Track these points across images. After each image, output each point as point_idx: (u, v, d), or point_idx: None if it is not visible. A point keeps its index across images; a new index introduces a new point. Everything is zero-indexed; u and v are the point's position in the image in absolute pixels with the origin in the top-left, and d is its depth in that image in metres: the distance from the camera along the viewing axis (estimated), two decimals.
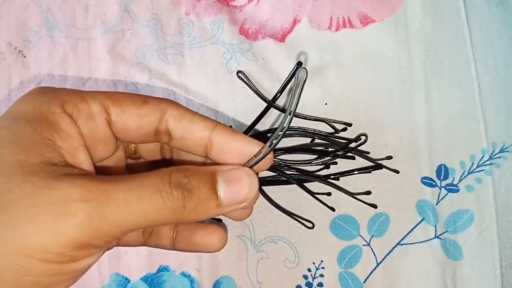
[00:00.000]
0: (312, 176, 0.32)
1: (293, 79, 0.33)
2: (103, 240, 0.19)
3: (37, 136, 0.19)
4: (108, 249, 0.23)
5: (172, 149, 0.27)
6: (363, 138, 0.32)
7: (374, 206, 0.32)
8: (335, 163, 0.33)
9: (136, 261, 0.32)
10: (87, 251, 0.19)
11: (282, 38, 0.35)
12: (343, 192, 0.32)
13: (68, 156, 0.20)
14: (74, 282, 0.20)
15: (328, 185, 0.32)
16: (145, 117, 0.22)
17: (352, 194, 0.32)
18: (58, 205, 0.17)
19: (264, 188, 0.32)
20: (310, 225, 0.32)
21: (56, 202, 0.17)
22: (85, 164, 0.21)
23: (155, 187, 0.19)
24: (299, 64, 0.33)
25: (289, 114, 0.24)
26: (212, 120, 0.23)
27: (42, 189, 0.18)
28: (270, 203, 0.32)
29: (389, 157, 0.33)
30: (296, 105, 0.24)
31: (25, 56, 0.34)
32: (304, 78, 0.31)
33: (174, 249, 0.27)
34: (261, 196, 0.32)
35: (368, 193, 0.33)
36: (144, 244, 0.27)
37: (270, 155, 0.24)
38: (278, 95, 0.33)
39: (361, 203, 0.32)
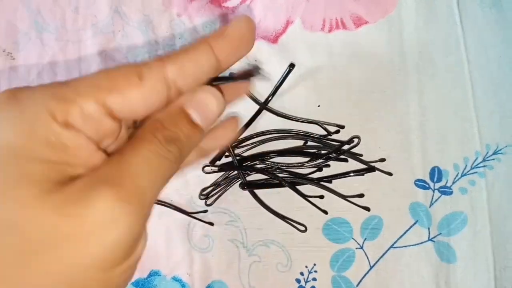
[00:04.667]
0: (305, 179, 0.32)
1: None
2: (146, 218, 0.19)
3: (44, 166, 0.17)
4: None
5: None
6: (355, 140, 0.31)
7: (367, 209, 0.32)
8: (328, 165, 0.32)
9: None
10: (139, 240, 0.19)
11: (274, 39, 0.35)
12: (335, 195, 0.32)
13: (82, 168, 0.19)
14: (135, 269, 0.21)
15: (321, 188, 0.32)
16: (149, 91, 0.20)
17: (345, 197, 0.32)
18: (105, 219, 0.17)
19: (257, 191, 0.32)
20: (302, 228, 0.32)
21: (101, 218, 0.17)
22: (99, 160, 0.20)
23: (158, 158, 0.19)
24: (291, 66, 0.33)
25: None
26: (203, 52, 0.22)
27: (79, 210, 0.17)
28: (263, 206, 0.32)
29: (383, 160, 0.33)
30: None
31: (14, 58, 0.33)
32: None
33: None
34: (253, 200, 0.32)
35: (361, 196, 0.32)
36: None
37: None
38: (271, 97, 0.33)
39: (354, 205, 0.32)
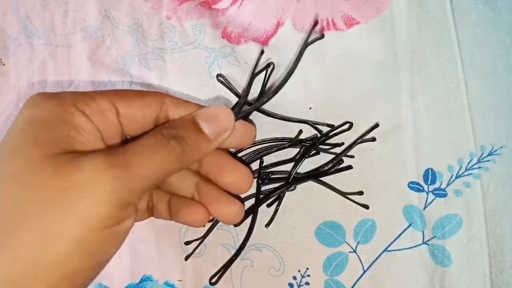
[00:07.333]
0: (302, 178, 0.32)
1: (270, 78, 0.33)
2: (136, 196, 0.22)
3: (56, 134, 0.22)
4: (136, 217, 0.24)
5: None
6: (347, 125, 0.31)
7: (366, 206, 0.32)
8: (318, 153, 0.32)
9: (119, 270, 0.32)
10: (127, 211, 0.22)
11: (265, 41, 0.34)
12: (335, 192, 0.31)
13: (86, 147, 0.23)
14: (120, 246, 0.23)
15: (320, 184, 0.32)
16: (147, 107, 0.25)
17: (344, 194, 0.31)
18: (93, 177, 0.21)
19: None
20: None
21: (90, 176, 0.21)
22: (101, 147, 0.24)
23: (156, 145, 0.23)
24: (270, 64, 0.32)
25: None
26: (199, 105, 0.28)
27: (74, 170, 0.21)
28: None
29: (361, 193, 0.32)
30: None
31: (4, 64, 0.33)
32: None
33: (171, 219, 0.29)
34: (246, 203, 0.32)
35: (360, 193, 0.32)
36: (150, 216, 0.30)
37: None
38: (259, 97, 0.33)
39: (346, 209, 0.32)
